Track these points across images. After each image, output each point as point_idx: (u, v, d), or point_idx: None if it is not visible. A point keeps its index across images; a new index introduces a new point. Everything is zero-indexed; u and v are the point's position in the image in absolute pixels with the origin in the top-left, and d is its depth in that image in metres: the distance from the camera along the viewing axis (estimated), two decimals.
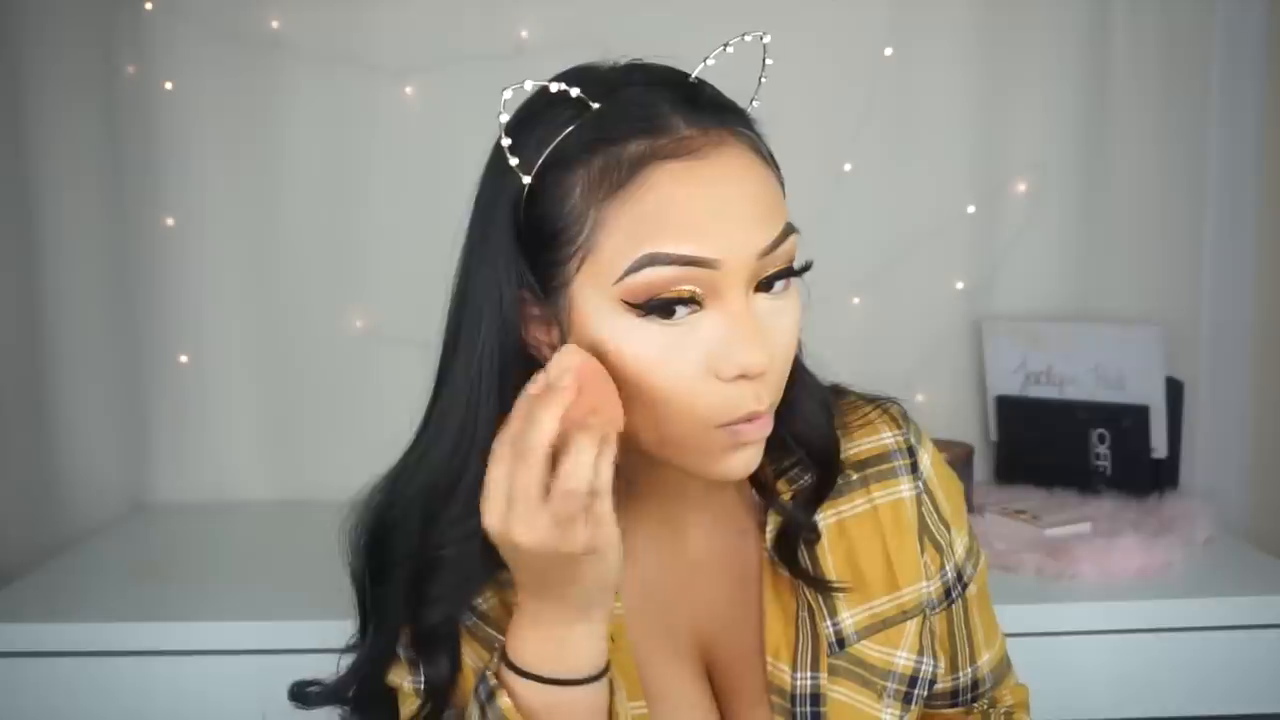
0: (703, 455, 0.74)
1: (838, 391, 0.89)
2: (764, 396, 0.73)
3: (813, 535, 0.85)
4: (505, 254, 0.73)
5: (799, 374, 0.82)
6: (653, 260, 0.69)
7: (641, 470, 0.81)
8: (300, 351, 1.96)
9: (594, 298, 0.71)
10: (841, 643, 0.85)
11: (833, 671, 0.84)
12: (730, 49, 0.76)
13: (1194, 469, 1.95)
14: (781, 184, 0.76)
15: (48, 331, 1.88)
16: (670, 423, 0.72)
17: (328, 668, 0.85)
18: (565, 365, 0.69)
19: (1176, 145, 1.94)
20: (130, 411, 1.95)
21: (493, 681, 0.75)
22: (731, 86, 0.77)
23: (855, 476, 0.87)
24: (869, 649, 0.85)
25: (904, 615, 0.87)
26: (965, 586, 0.91)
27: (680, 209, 0.69)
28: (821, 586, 0.84)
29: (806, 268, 0.75)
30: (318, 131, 1.92)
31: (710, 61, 0.76)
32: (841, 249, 1.88)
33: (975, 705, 0.95)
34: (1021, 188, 1.97)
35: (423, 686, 0.81)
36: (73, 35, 1.84)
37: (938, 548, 0.88)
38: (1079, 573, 1.56)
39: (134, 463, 1.96)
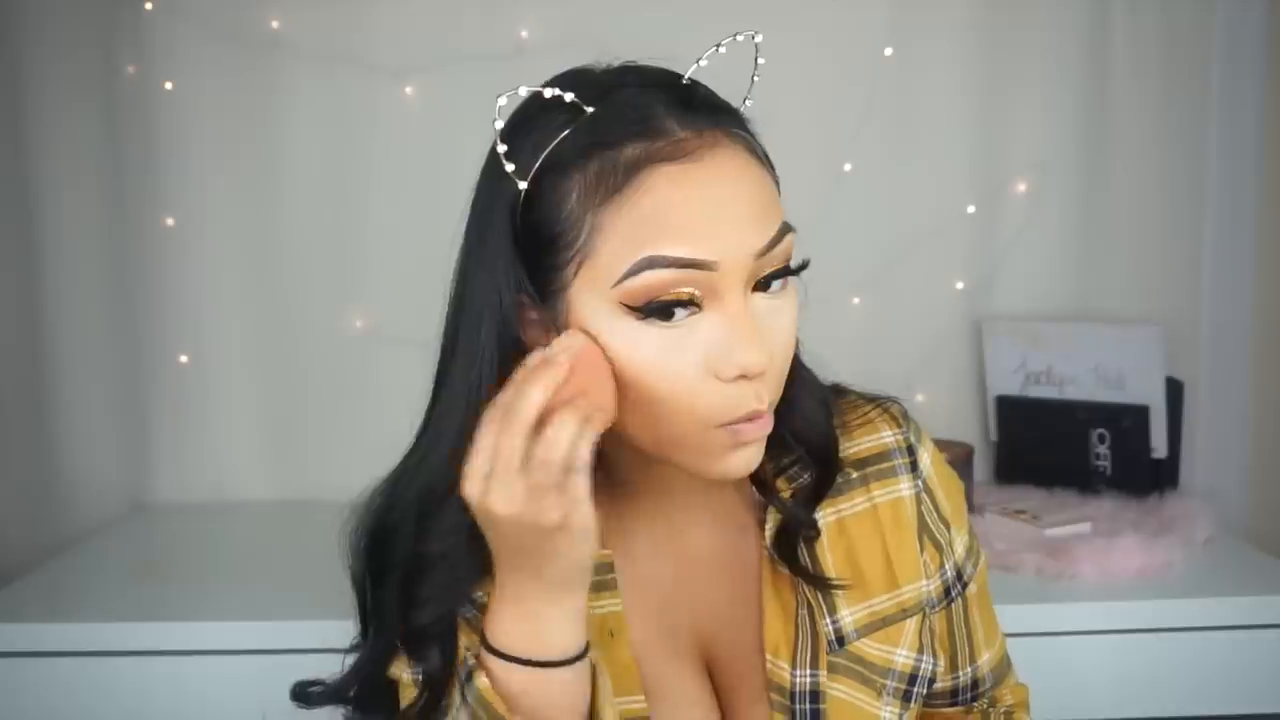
0: (703, 455, 0.74)
1: (838, 391, 0.90)
2: (764, 395, 0.73)
3: (812, 533, 0.85)
4: (503, 259, 0.73)
5: (798, 372, 0.82)
6: (651, 263, 0.69)
7: (641, 469, 0.81)
8: (300, 351, 1.96)
9: (592, 301, 0.71)
10: (841, 640, 0.85)
11: (832, 669, 0.84)
12: (723, 49, 0.76)
13: (1194, 469, 1.95)
14: (777, 183, 0.76)
15: (48, 331, 1.88)
16: (671, 423, 0.72)
17: (329, 668, 0.86)
18: (566, 345, 0.70)
19: (1176, 145, 1.94)
20: (130, 411, 1.95)
21: (471, 662, 0.75)
22: (727, 87, 0.77)
23: (855, 475, 0.87)
24: (868, 647, 0.86)
25: (903, 613, 0.87)
26: (965, 585, 0.91)
27: (677, 212, 0.69)
28: (821, 584, 0.84)
29: (804, 266, 0.76)
30: (318, 131, 1.91)
31: (703, 62, 0.76)
32: (841, 249, 1.88)
33: (975, 704, 0.95)
34: (1021, 188, 1.97)
35: (420, 678, 0.81)
36: (73, 35, 1.84)
37: (937, 546, 0.89)
38: (1079, 573, 1.56)
39: (134, 463, 1.96)
